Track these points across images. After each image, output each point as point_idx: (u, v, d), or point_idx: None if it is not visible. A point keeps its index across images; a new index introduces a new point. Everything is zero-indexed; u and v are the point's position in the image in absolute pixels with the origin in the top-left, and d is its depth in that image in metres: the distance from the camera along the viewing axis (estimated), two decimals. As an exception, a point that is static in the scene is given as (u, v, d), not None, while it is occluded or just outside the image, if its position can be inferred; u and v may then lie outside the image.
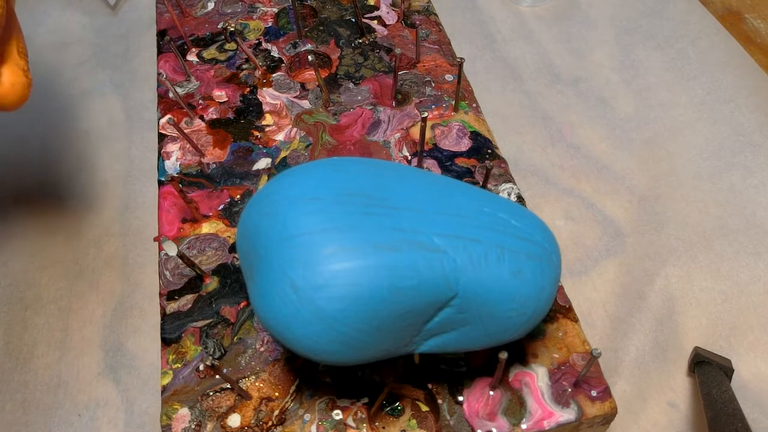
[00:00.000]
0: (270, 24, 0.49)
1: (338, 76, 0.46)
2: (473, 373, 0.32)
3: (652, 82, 0.56)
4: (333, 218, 0.26)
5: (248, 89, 0.45)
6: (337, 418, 0.31)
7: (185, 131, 0.42)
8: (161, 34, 0.49)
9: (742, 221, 0.47)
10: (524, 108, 0.54)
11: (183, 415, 0.31)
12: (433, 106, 0.44)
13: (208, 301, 0.35)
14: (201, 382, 0.32)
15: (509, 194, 0.39)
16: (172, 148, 0.42)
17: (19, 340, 0.42)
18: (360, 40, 0.48)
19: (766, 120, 0.53)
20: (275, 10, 0.50)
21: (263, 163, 0.41)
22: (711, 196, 0.48)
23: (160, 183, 0.40)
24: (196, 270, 0.36)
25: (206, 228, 0.38)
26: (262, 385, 0.32)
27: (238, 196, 0.39)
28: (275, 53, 0.47)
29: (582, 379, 0.32)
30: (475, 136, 0.42)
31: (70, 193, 0.49)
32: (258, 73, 0.46)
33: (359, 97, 0.44)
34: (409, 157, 0.41)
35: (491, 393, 0.32)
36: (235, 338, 0.34)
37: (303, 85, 0.45)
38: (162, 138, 0.43)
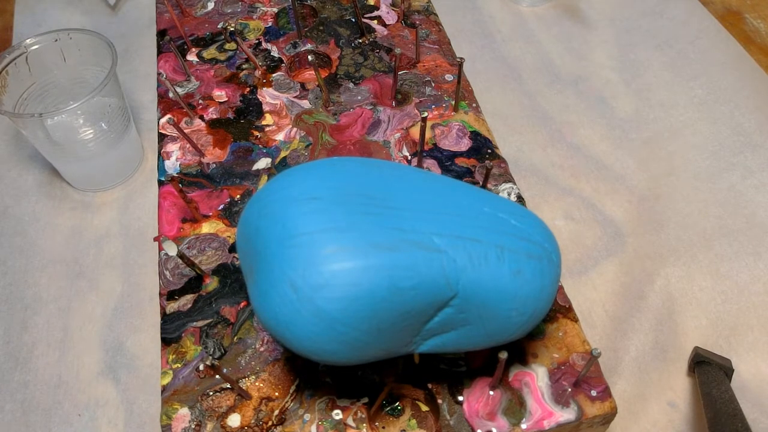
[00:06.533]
0: (270, 24, 0.49)
1: (338, 76, 0.46)
2: (473, 373, 0.32)
3: (652, 82, 0.56)
4: (333, 218, 0.26)
5: (248, 89, 0.45)
6: (337, 418, 0.31)
7: (185, 131, 0.42)
8: (161, 33, 0.49)
9: (742, 221, 0.47)
10: (524, 108, 0.54)
11: (183, 414, 0.31)
12: (433, 106, 0.44)
13: (208, 301, 0.35)
14: (201, 382, 0.32)
15: (509, 194, 0.39)
16: (172, 148, 0.42)
17: (19, 340, 0.42)
18: (360, 40, 0.48)
19: (766, 120, 0.53)
20: (275, 10, 0.50)
21: (263, 163, 0.41)
22: (711, 196, 0.48)
23: (160, 183, 0.40)
24: (196, 270, 0.36)
25: (206, 228, 0.38)
26: (262, 385, 0.32)
27: (238, 196, 0.39)
28: (275, 53, 0.47)
29: (582, 379, 0.32)
30: (475, 136, 0.42)
31: (69, 192, 0.49)
32: (258, 73, 0.46)
33: (359, 97, 0.44)
34: (409, 157, 0.41)
35: (491, 393, 0.32)
36: (235, 338, 0.34)
37: (303, 85, 0.45)
38: (162, 138, 0.43)
